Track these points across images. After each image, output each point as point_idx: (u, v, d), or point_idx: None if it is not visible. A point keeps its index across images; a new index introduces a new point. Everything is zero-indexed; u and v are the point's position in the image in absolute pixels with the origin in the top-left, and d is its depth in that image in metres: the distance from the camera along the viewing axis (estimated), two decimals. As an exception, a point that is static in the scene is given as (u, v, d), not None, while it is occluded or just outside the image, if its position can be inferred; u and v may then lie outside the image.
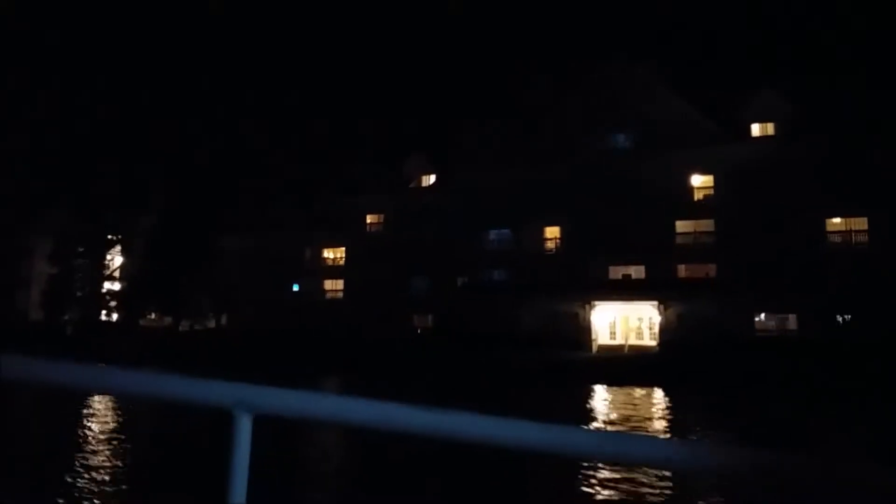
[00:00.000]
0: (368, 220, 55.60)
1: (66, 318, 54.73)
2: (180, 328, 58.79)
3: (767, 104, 40.31)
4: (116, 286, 61.34)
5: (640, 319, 42.12)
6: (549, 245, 44.91)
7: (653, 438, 1.10)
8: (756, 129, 41.15)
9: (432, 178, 54.21)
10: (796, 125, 39.29)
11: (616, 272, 42.63)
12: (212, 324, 59.56)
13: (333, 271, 56.79)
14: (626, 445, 1.09)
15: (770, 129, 40.81)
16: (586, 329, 41.37)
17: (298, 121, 58.02)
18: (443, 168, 52.09)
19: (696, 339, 38.19)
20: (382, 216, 54.95)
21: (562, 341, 40.26)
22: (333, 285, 56.62)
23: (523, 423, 1.11)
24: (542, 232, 45.00)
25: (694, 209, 40.94)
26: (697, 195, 41.25)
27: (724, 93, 41.57)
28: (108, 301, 57.72)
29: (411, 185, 54.46)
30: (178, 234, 54.52)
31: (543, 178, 44.31)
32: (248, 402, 1.17)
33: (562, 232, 44.37)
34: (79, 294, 55.69)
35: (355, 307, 53.24)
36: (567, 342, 40.23)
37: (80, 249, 55.78)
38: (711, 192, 40.88)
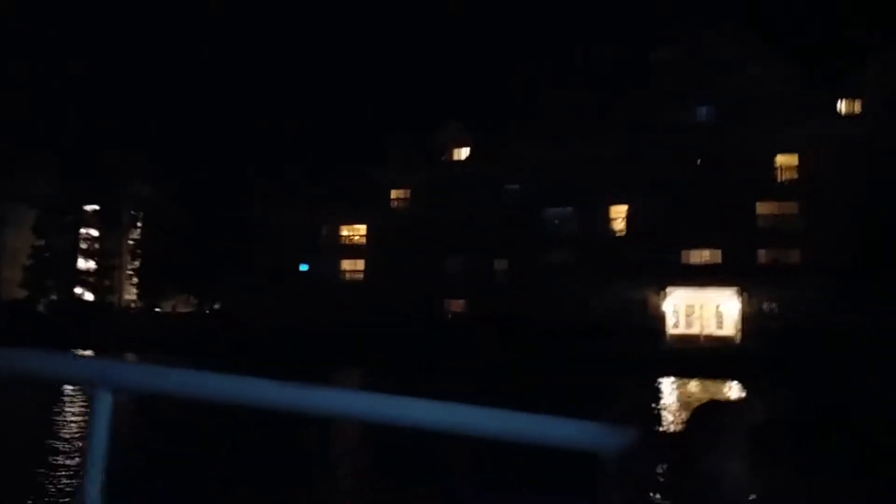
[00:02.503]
0: (393, 195, 50.95)
1: (53, 297, 48.06)
2: (158, 309, 52.82)
3: (864, 80, 37.90)
4: (92, 264, 54.71)
5: (702, 307, 39.42)
6: (616, 225, 41.49)
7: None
8: (845, 107, 38.75)
9: (464, 152, 49.94)
10: (889, 103, 36.98)
11: (687, 256, 39.67)
12: (208, 305, 53.78)
13: (352, 250, 51.98)
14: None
15: (857, 106, 38.49)
16: (660, 317, 38.31)
17: (317, 91, 52.50)
18: (482, 140, 47.86)
19: (779, 328, 35.71)
20: (409, 191, 50.40)
21: (630, 330, 37.11)
22: (353, 265, 51.84)
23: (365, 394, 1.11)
24: (606, 210, 41.53)
25: (777, 190, 38.29)
26: (781, 175, 38.60)
27: (812, 67, 38.93)
28: (95, 279, 51.20)
29: (442, 158, 50.09)
30: (181, 208, 48.52)
31: (611, 151, 40.73)
32: (108, 377, 1.11)
33: (630, 211, 40.99)
34: (60, 270, 49.01)
35: (377, 289, 48.68)
36: (636, 331, 37.10)
37: (68, 218, 48.98)
38: (796, 171, 38.31)
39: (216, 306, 53.33)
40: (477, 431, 1.12)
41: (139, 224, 55.61)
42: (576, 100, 43.14)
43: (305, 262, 52.22)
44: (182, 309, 50.82)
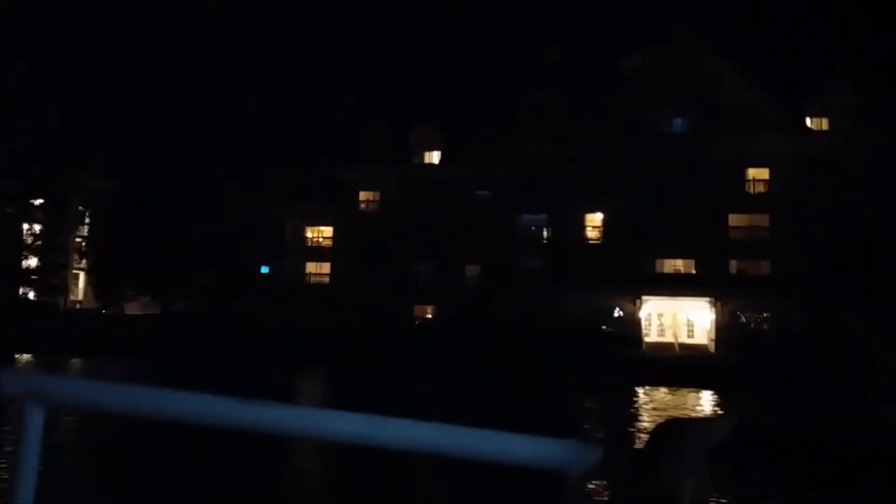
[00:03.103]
0: (362, 197, 49.74)
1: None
2: (104, 311, 49.94)
3: (830, 98, 39.11)
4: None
5: (675, 316, 39.86)
6: (591, 233, 41.49)
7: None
8: (812, 123, 39.91)
9: (435, 155, 49.22)
10: (861, 121, 38.31)
11: (662, 265, 40.02)
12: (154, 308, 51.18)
13: (317, 252, 50.43)
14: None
15: (825, 123, 39.72)
16: (635, 325, 38.44)
17: (284, 86, 50.54)
18: (455, 143, 47.23)
19: (750, 337, 36.38)
20: (378, 193, 49.31)
21: (605, 337, 37.16)
22: (317, 268, 50.28)
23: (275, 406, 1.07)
24: (581, 218, 41.50)
25: (749, 202, 39.06)
26: (753, 188, 39.41)
27: (782, 84, 39.98)
28: (39, 277, 47.93)
29: (414, 161, 49.24)
30: (136, 204, 45.93)
31: (587, 158, 40.76)
32: (39, 392, 1.09)
33: (605, 219, 41.07)
34: (2, 267, 45.65)
35: (343, 292, 47.36)
36: (610, 338, 37.16)
37: (8, 210, 45.63)
38: (767, 184, 39.19)
39: (168, 308, 50.74)
40: (437, 449, 1.06)
41: (87, 220, 52.54)
42: (552, 107, 43.05)
43: (269, 264, 50.35)
44: (135, 311, 48.12)
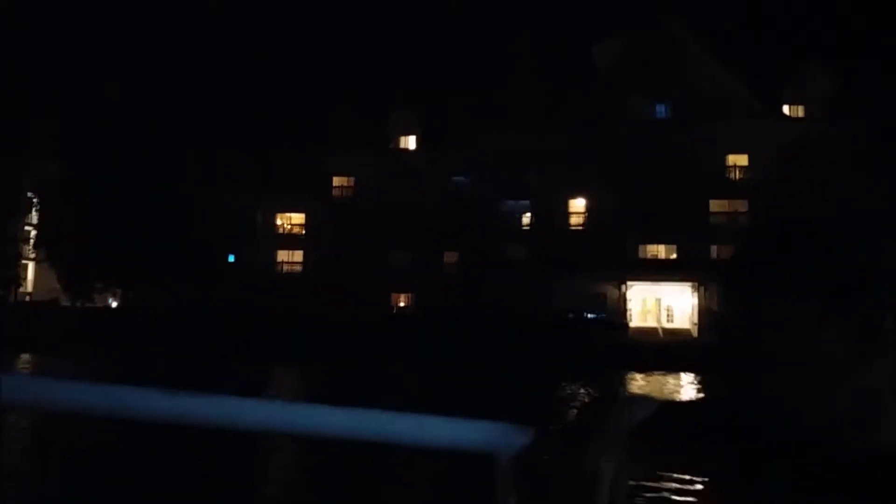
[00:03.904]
0: (335, 183, 48.27)
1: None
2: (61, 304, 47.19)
3: (807, 86, 39.88)
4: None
5: (658, 301, 40.22)
6: (575, 220, 41.32)
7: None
8: (789, 110, 40.68)
9: (412, 139, 48.14)
10: (836, 109, 39.21)
11: (645, 251, 40.23)
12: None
13: (288, 240, 48.75)
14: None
15: (801, 111, 40.53)
16: (619, 312, 38.56)
17: (255, 65, 48.35)
18: (433, 127, 46.26)
19: (730, 322, 36.90)
20: (353, 179, 47.95)
21: (588, 324, 37.12)
22: (289, 256, 48.64)
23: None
24: (565, 204, 41.27)
25: (729, 188, 39.58)
26: (734, 174, 39.95)
27: (761, 72, 40.58)
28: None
29: (389, 146, 48.03)
30: (94, 190, 43.27)
31: (569, 145, 40.51)
32: None
33: (588, 205, 40.94)
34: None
35: (317, 281, 46.04)
36: (594, 325, 37.15)
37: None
38: (746, 170, 39.78)
39: (129, 301, 48.30)
40: (359, 436, 1.01)
41: (37, 208, 49.42)
42: (533, 93, 42.58)
43: (237, 252, 48.37)
44: (91, 304, 45.55)
